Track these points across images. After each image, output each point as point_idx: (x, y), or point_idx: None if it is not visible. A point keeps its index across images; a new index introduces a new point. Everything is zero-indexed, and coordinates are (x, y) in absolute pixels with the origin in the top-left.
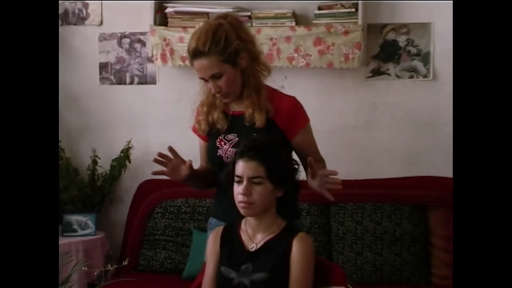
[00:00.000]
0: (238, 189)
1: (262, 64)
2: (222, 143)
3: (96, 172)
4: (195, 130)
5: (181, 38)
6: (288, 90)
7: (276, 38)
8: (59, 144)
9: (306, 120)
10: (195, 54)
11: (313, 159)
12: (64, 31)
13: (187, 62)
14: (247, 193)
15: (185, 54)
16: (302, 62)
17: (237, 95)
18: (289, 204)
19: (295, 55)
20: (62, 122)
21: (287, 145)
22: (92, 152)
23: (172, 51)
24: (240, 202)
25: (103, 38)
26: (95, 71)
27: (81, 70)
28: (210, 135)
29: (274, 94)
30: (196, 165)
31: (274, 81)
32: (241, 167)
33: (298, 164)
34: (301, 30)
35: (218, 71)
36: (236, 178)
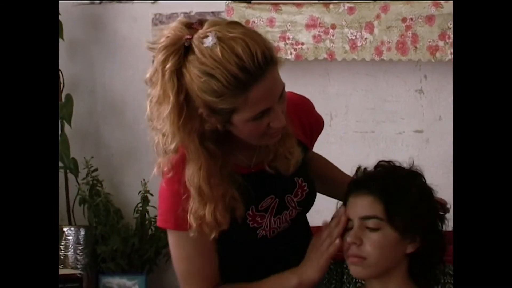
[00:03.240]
0: (346, 236)
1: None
2: (258, 218)
3: (147, 215)
4: (184, 228)
5: (271, 20)
6: (433, 101)
7: (412, 19)
8: (96, 175)
9: (323, 120)
10: (262, 68)
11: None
12: (103, 10)
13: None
14: (355, 240)
15: (276, 42)
16: (451, 54)
17: None
18: (428, 267)
19: (441, 43)
20: (99, 143)
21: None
22: (142, 186)
23: None
24: (348, 256)
25: (158, 20)
26: (147, 68)
27: (127, 68)
28: None
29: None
30: None
31: (405, 82)
32: (351, 204)
33: (444, 209)
34: (449, 6)
35: (283, 83)
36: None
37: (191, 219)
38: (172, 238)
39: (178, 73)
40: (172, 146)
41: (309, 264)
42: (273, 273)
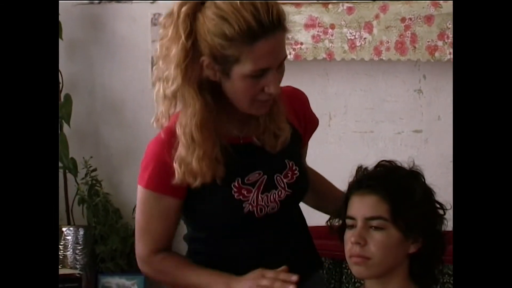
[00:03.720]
0: (349, 236)
1: None
2: (244, 191)
3: None
4: (162, 183)
5: None
6: (432, 100)
7: (410, 19)
8: (95, 175)
9: (317, 119)
10: (274, 25)
11: None
12: (102, 10)
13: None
14: (360, 241)
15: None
16: (450, 54)
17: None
18: (429, 267)
19: (440, 43)
20: (98, 142)
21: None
22: None
23: None
24: (350, 255)
25: (157, 20)
26: (146, 68)
27: (126, 68)
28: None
29: None
30: None
31: (404, 81)
32: (355, 204)
33: (444, 209)
34: (448, 6)
35: (285, 54)
36: (348, 221)
37: (176, 165)
38: (140, 195)
39: (192, 17)
40: (172, 88)
41: (243, 280)
42: (259, 267)
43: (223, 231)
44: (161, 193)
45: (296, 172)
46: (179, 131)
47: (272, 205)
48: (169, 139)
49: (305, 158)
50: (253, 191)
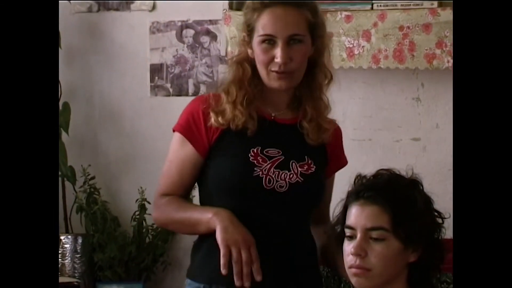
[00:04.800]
0: (348, 247)
1: (325, 66)
2: (260, 158)
3: (144, 223)
4: (189, 130)
5: None
6: (430, 108)
7: (409, 27)
8: (94, 183)
9: (347, 162)
10: None
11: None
12: (101, 19)
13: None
14: (360, 252)
15: None
16: (448, 62)
17: (292, 87)
18: (428, 275)
19: (438, 51)
20: (97, 150)
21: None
22: (139, 194)
23: None
24: (350, 267)
25: (156, 29)
26: (145, 76)
27: (125, 75)
28: (220, 144)
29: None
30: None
31: (402, 90)
32: (354, 214)
33: (442, 217)
34: (446, 14)
35: (301, 32)
36: (347, 231)
37: (212, 113)
38: (173, 139)
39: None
40: (236, 53)
41: (222, 232)
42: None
43: (231, 192)
44: (185, 137)
45: (312, 167)
46: (220, 89)
47: (281, 183)
48: (207, 99)
49: (329, 197)
50: (268, 162)
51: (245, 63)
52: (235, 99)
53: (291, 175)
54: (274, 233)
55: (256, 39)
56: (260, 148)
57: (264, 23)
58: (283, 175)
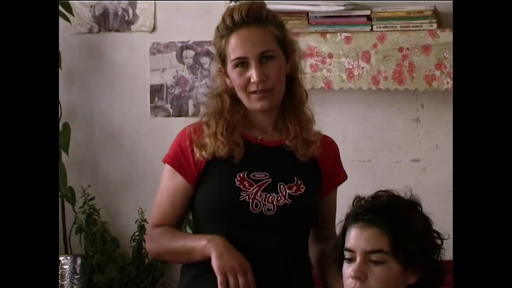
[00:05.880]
0: (348, 270)
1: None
2: (246, 183)
3: (143, 244)
4: (178, 161)
5: None
6: (430, 130)
7: (408, 48)
8: (93, 204)
9: (346, 176)
10: (244, 20)
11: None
12: (101, 40)
13: None
14: (360, 275)
15: None
16: (448, 83)
17: (276, 107)
18: None
19: (437, 73)
20: (97, 171)
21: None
22: (138, 215)
23: None
24: None
25: (156, 50)
26: (145, 97)
27: (125, 96)
28: (208, 171)
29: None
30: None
31: (402, 111)
32: (353, 237)
33: (442, 239)
34: (445, 36)
35: (271, 48)
36: (346, 254)
37: (196, 148)
38: (164, 171)
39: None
40: (214, 86)
41: (218, 259)
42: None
43: (219, 217)
44: (175, 168)
45: (301, 187)
46: (203, 120)
47: (269, 206)
48: (194, 130)
49: (333, 218)
50: (255, 186)
51: (224, 94)
52: (215, 131)
53: (279, 198)
54: (263, 258)
55: (229, 66)
56: (246, 172)
57: (233, 48)
58: (270, 198)
